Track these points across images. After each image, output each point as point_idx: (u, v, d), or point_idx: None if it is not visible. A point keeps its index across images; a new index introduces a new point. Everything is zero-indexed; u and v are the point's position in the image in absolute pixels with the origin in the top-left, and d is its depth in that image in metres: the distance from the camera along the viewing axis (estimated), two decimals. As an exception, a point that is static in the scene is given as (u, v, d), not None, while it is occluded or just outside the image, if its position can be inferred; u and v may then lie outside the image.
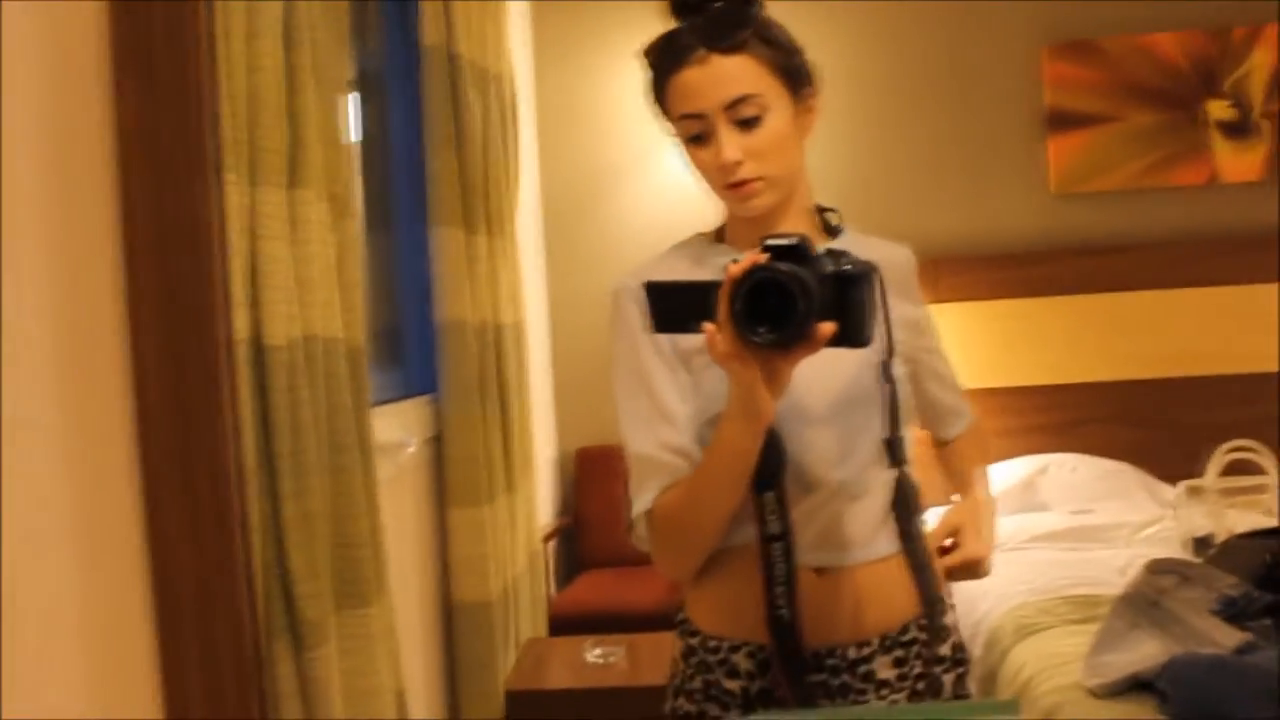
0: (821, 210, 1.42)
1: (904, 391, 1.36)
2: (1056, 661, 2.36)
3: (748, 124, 1.30)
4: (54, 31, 1.30)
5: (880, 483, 1.34)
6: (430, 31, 2.72)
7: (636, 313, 1.35)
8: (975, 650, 2.79)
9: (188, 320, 1.34)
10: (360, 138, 2.66)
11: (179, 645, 1.38)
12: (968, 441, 1.60)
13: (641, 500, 1.33)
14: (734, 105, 1.30)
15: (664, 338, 1.34)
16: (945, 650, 1.39)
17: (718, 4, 1.32)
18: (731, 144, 1.30)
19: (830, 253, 1.18)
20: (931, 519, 1.44)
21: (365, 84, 2.77)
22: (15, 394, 1.20)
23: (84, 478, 1.31)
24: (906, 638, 1.36)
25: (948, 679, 1.40)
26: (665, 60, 1.33)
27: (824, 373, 1.26)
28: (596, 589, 3.68)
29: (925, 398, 1.52)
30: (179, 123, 1.35)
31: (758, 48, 1.31)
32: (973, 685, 2.85)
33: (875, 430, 1.34)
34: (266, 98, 1.63)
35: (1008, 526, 3.42)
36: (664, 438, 1.32)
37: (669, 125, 1.38)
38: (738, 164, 1.30)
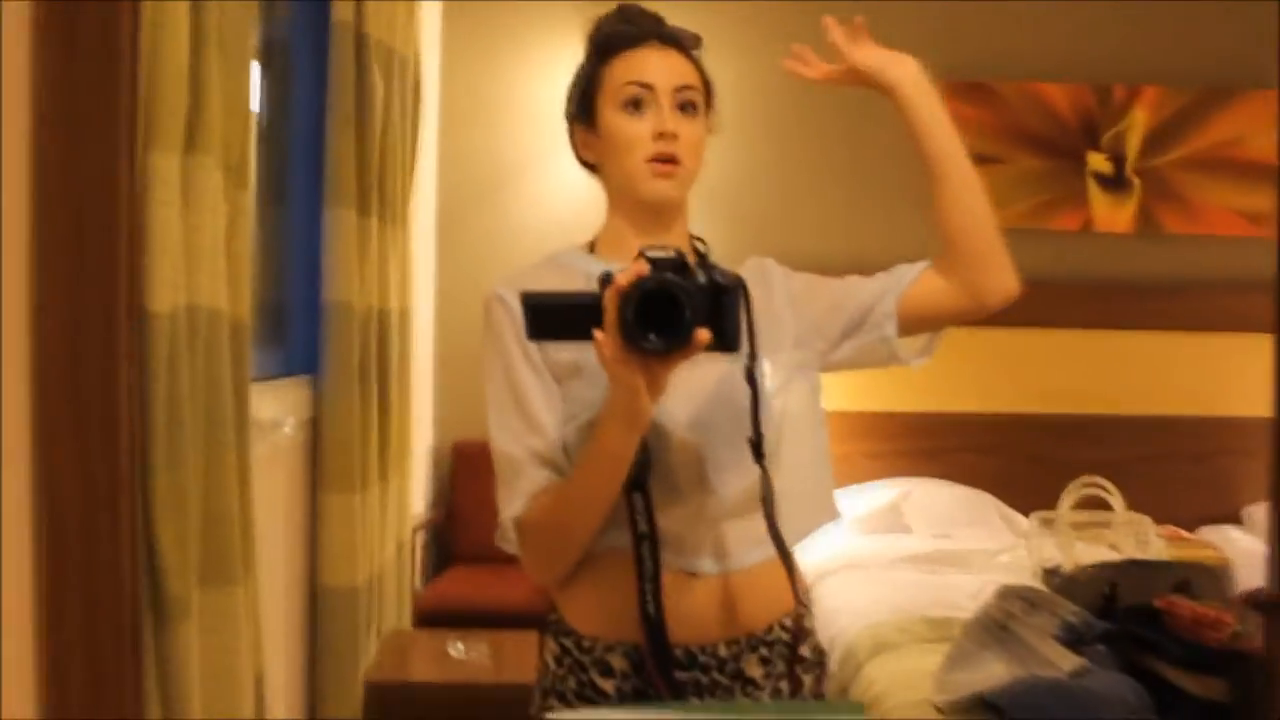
0: (693, 238, 1.47)
1: (776, 394, 1.40)
2: (908, 678, 2.44)
3: (685, 109, 1.39)
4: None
5: (751, 485, 1.38)
6: (340, 7, 2.68)
7: (508, 321, 1.38)
8: (830, 665, 2.87)
9: (93, 285, 1.31)
10: (260, 109, 2.61)
11: (62, 615, 1.35)
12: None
13: (511, 506, 1.36)
14: (681, 89, 1.39)
15: (533, 347, 1.37)
16: (806, 651, 1.43)
17: (665, 22, 1.45)
18: (674, 118, 1.38)
19: (701, 265, 1.27)
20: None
21: (269, 55, 2.72)
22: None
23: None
24: (771, 637, 1.40)
25: (808, 679, 1.44)
26: (620, 38, 1.40)
27: (686, 381, 1.30)
28: (464, 584, 3.67)
29: (872, 292, 1.53)
30: (99, 84, 1.32)
31: (698, 64, 1.45)
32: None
33: (744, 435, 1.37)
34: (168, 59, 1.59)
35: (871, 547, 3.53)
36: (532, 445, 1.35)
37: (576, 126, 1.44)
38: (675, 136, 1.36)
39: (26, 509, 1.35)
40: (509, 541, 1.38)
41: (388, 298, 2.95)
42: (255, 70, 2.10)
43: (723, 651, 1.37)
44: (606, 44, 1.42)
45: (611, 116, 1.40)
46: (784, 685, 1.41)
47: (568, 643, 1.42)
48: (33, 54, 1.34)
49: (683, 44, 1.44)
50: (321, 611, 2.72)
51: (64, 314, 1.34)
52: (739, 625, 1.38)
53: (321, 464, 2.69)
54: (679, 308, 1.18)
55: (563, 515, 1.33)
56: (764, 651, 1.40)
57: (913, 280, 1.50)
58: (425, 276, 3.92)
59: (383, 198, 2.88)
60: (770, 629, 1.40)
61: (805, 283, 1.56)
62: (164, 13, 1.59)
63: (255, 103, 2.36)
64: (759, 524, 1.37)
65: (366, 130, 2.76)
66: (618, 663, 1.38)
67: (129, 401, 1.39)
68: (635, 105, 1.38)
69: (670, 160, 1.37)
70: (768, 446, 1.35)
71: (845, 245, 4.16)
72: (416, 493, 3.70)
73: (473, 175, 4.13)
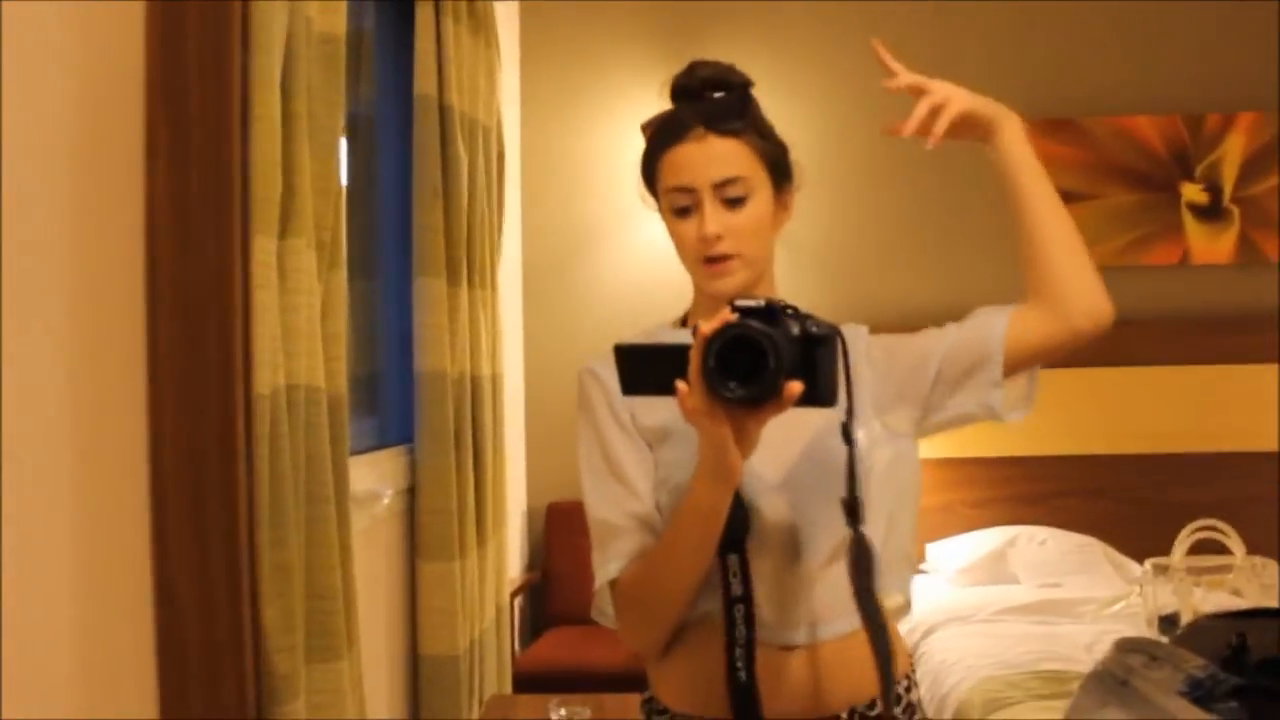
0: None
1: (874, 456, 1.37)
2: (1025, 738, 2.35)
3: (733, 203, 1.36)
4: (90, 78, 1.31)
5: (842, 547, 1.34)
6: (423, 81, 2.74)
7: (599, 393, 1.39)
8: (943, 722, 2.79)
9: (207, 372, 1.34)
10: (347, 183, 2.66)
11: (185, 700, 1.37)
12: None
13: (606, 570, 1.34)
14: (723, 184, 1.36)
15: (626, 415, 1.37)
16: None
17: (719, 93, 1.39)
18: (715, 219, 1.35)
19: (796, 315, 1.22)
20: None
21: (355, 130, 2.78)
22: (33, 444, 1.19)
23: (95, 531, 1.30)
24: (873, 713, 1.35)
25: None
26: (664, 135, 1.38)
27: (776, 439, 1.27)
28: (563, 646, 3.65)
29: (958, 343, 1.48)
30: (211, 176, 1.36)
31: (751, 136, 1.39)
32: (941, 758, 2.83)
33: (836, 495, 1.34)
34: (261, 144, 1.63)
35: (976, 598, 3.43)
36: (628, 508, 1.34)
37: (652, 199, 1.44)
38: (718, 238, 1.35)
39: (148, 598, 1.37)
40: (604, 614, 1.37)
41: (479, 364, 2.97)
42: (342, 146, 2.15)
43: None
44: (652, 145, 1.42)
45: (665, 217, 1.40)
46: None
47: None
48: (147, 143, 1.38)
49: (731, 124, 1.37)
50: (423, 680, 2.72)
51: (182, 405, 1.37)
52: (833, 701, 1.34)
53: (419, 533, 2.71)
54: (763, 356, 1.15)
55: (658, 577, 1.31)
56: None
57: (1008, 323, 1.43)
58: (513, 340, 3.95)
59: (470, 266, 2.91)
60: (872, 704, 1.35)
61: (884, 348, 1.51)
62: (256, 99, 1.63)
63: (343, 177, 2.42)
64: (848, 591, 1.33)
65: (452, 200, 2.80)
66: None
67: (243, 487, 1.41)
68: (682, 210, 1.37)
69: (720, 259, 1.36)
70: (864, 509, 1.31)
71: (936, 295, 4.11)
72: (513, 556, 3.70)
73: (557, 239, 4.17)
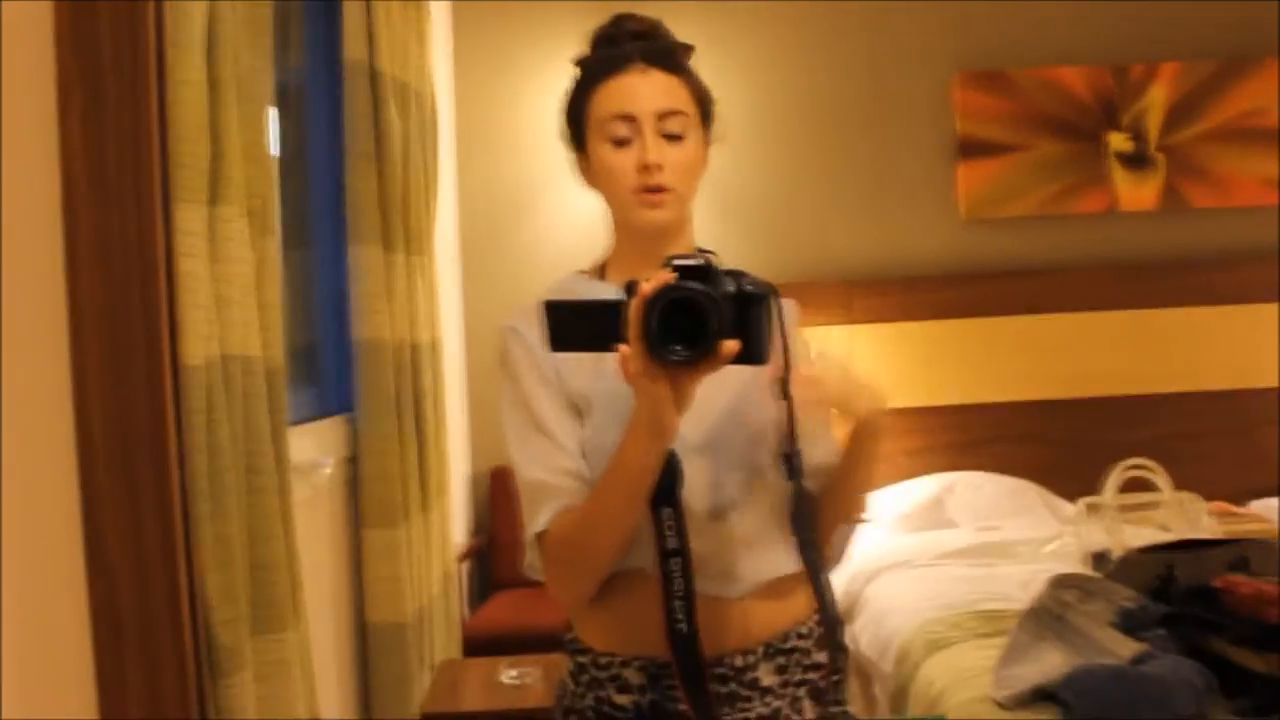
0: (702, 251, 1.45)
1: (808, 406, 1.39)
2: (966, 675, 2.41)
3: (672, 138, 1.37)
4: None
5: (776, 499, 1.36)
6: (352, 46, 2.70)
7: (521, 351, 1.39)
8: (886, 666, 2.84)
9: (132, 343, 1.32)
10: (279, 152, 2.63)
11: (123, 675, 1.36)
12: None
13: (535, 523, 1.35)
14: (665, 116, 1.38)
15: (552, 371, 1.37)
16: (822, 657, 1.41)
17: (658, 38, 1.42)
18: (657, 148, 1.36)
19: (729, 273, 1.22)
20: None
21: (284, 98, 2.74)
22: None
23: (24, 506, 1.28)
24: (788, 645, 1.38)
25: (826, 684, 1.42)
26: (604, 64, 1.39)
27: (700, 398, 1.27)
28: (510, 609, 3.67)
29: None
30: (128, 142, 1.34)
31: (689, 77, 1.42)
32: (883, 699, 2.91)
33: (765, 450, 1.36)
34: (187, 110, 1.60)
35: (917, 544, 3.50)
36: (556, 462, 1.35)
37: (570, 144, 1.44)
38: (659, 167, 1.35)
39: (81, 573, 1.36)
40: (533, 567, 1.38)
41: (418, 331, 2.96)
42: (272, 114, 2.12)
43: (739, 661, 1.36)
44: (590, 72, 1.41)
45: (598, 148, 1.39)
46: (802, 692, 1.39)
47: (584, 660, 1.41)
48: (60, 112, 1.35)
49: (670, 63, 1.40)
50: (372, 649, 2.72)
51: (107, 376, 1.35)
52: (755, 635, 1.37)
53: (363, 501, 2.70)
54: (705, 317, 1.16)
55: (587, 531, 1.32)
56: (781, 660, 1.38)
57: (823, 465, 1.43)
58: (452, 305, 3.94)
59: (406, 232, 2.89)
60: (786, 636, 1.39)
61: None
62: (181, 64, 1.60)
63: (274, 146, 2.39)
64: (780, 544, 1.36)
65: (386, 166, 2.77)
66: (634, 678, 1.37)
67: (174, 458, 1.40)
68: (620, 140, 1.37)
69: (657, 190, 1.36)
70: (803, 464, 1.34)
71: (865, 250, 4.15)
72: (457, 522, 3.71)
73: (493, 203, 4.15)
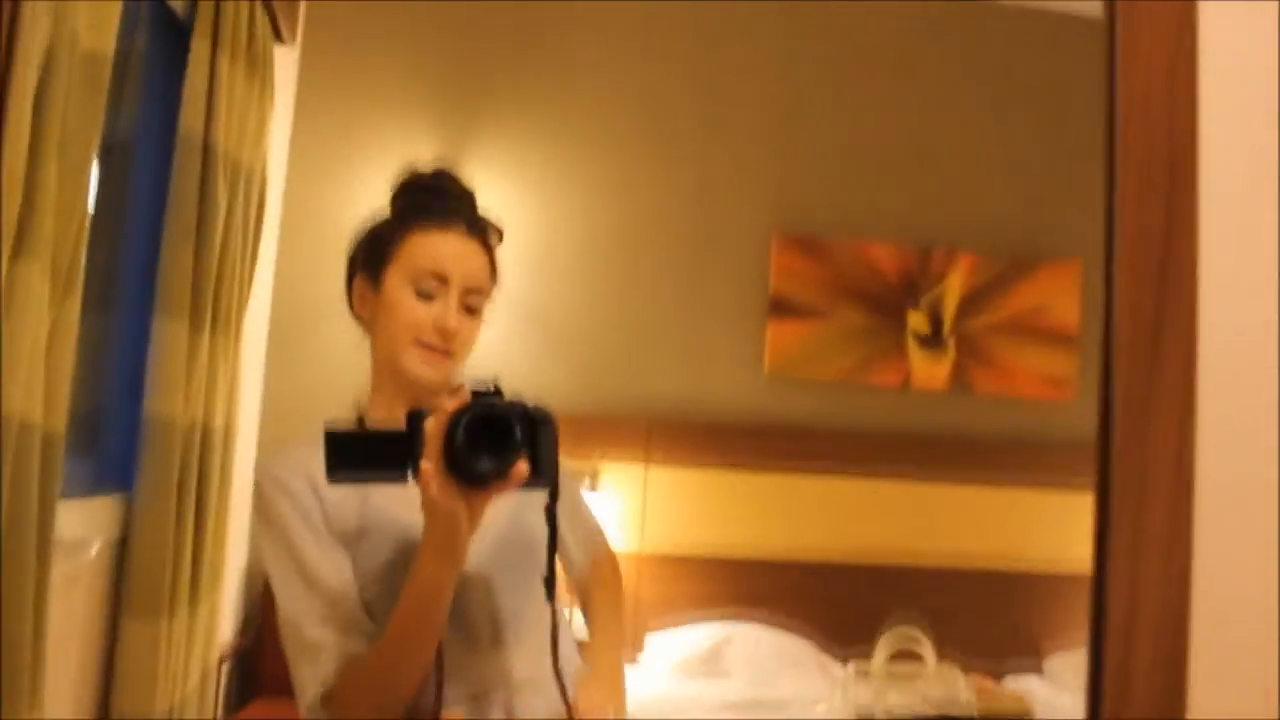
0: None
1: (563, 529, 1.41)
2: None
3: (470, 311, 1.39)
4: None
5: (542, 623, 1.37)
6: (190, 116, 2.63)
7: (283, 498, 1.36)
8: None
9: None
10: (94, 209, 2.51)
11: None
12: (598, 591, 1.59)
13: (316, 685, 1.30)
14: (471, 291, 1.41)
15: (318, 519, 1.35)
16: None
17: (475, 207, 1.46)
18: (458, 316, 1.39)
19: (515, 402, 1.25)
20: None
21: (107, 154, 2.64)
22: None
23: None
24: None
25: None
26: (428, 212, 1.40)
27: (485, 528, 1.28)
28: (272, 716, 3.47)
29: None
30: None
31: (490, 241, 1.47)
32: None
33: (537, 573, 1.37)
34: (8, 162, 1.53)
35: (691, 691, 3.51)
36: (329, 615, 1.31)
37: (374, 263, 1.44)
38: (454, 334, 1.37)
39: None
40: None
41: (212, 414, 2.83)
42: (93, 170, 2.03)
43: None
44: (412, 211, 1.44)
45: (398, 291, 1.40)
46: None
47: None
48: None
49: (485, 237, 1.45)
50: (111, 746, 2.52)
51: None
52: None
53: (128, 587, 2.53)
54: (509, 432, 1.18)
55: (382, 673, 1.27)
56: None
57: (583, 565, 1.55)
58: (252, 390, 3.80)
59: (215, 311, 2.79)
60: None
61: None
62: (10, 109, 1.53)
63: (90, 203, 2.29)
64: (546, 670, 1.35)
65: (205, 242, 2.68)
66: None
67: None
68: (425, 292, 1.39)
69: (442, 352, 1.39)
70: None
71: (676, 387, 4.25)
72: (226, 618, 3.51)
73: (309, 292, 4.06)
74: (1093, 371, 4.46)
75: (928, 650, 3.50)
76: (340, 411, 1.37)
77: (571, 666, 1.41)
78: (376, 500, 1.24)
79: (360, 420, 1.43)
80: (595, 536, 1.62)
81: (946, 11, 4.54)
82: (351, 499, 1.33)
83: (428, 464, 1.17)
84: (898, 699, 3.30)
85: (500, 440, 1.17)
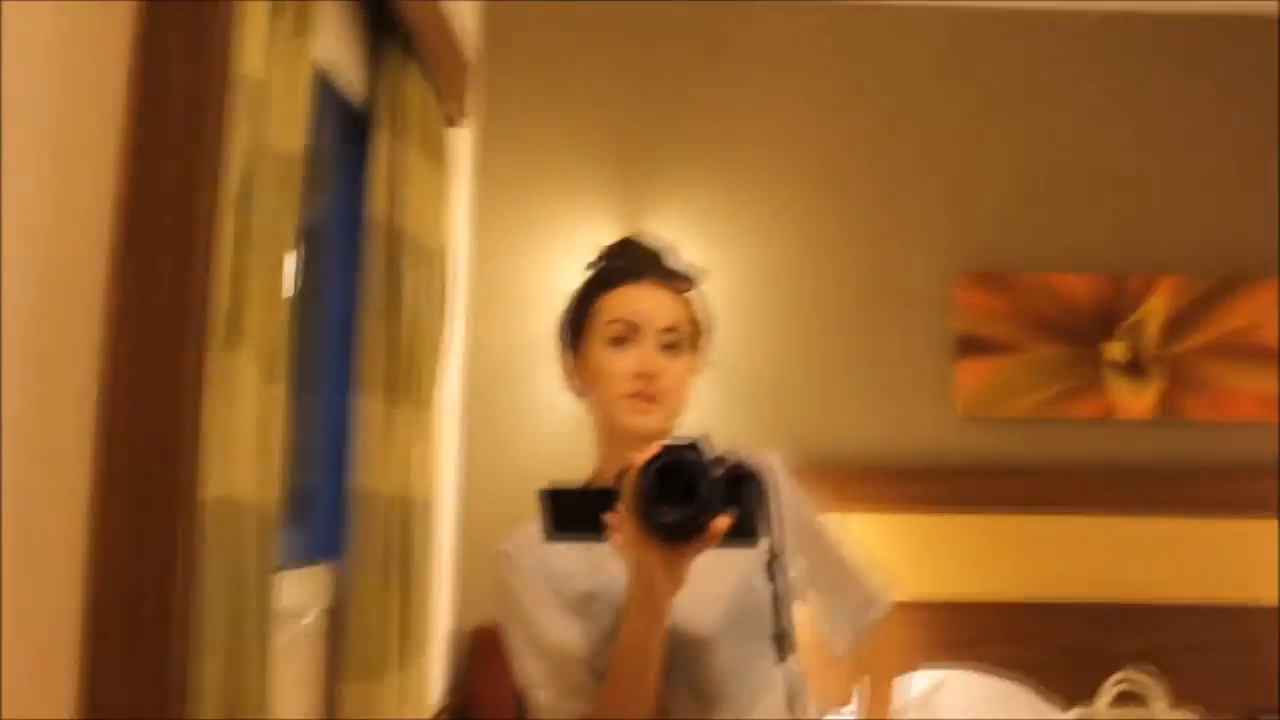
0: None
1: (792, 585, 1.40)
2: None
3: (670, 349, 1.40)
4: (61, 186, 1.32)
5: (774, 683, 1.35)
6: (375, 204, 2.79)
7: (515, 574, 1.42)
8: None
9: (156, 483, 1.33)
10: (292, 295, 2.67)
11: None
12: (872, 654, 1.61)
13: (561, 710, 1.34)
14: (667, 330, 1.41)
15: (547, 591, 1.39)
16: None
17: (668, 261, 1.50)
18: (655, 357, 1.38)
19: (719, 457, 1.25)
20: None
21: (304, 243, 2.81)
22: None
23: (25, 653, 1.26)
24: None
25: None
26: (616, 273, 1.43)
27: (704, 587, 1.28)
28: (480, 778, 3.55)
29: (820, 600, 1.56)
30: (177, 286, 1.38)
31: (692, 300, 1.51)
32: None
33: (763, 637, 1.36)
34: (217, 259, 1.65)
35: (902, 741, 3.42)
36: (562, 680, 1.35)
37: (576, 336, 1.47)
38: (655, 376, 1.38)
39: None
40: None
41: (413, 485, 2.95)
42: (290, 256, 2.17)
43: None
44: (601, 276, 1.47)
45: (596, 349, 1.43)
46: None
47: None
48: (112, 251, 1.40)
49: (678, 284, 1.48)
50: (336, 808, 2.63)
51: (126, 510, 1.36)
52: None
53: (342, 652, 2.65)
54: (695, 483, 1.18)
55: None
56: None
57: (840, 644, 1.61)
58: (450, 460, 3.94)
59: (410, 386, 2.92)
60: None
61: (792, 488, 1.57)
62: (218, 212, 1.65)
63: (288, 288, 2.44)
64: None
65: (396, 321, 2.82)
66: None
67: (182, 600, 1.39)
68: (620, 341, 1.41)
69: (649, 398, 1.40)
70: (790, 643, 1.33)
71: (867, 439, 4.18)
72: (434, 680, 3.62)
73: (500, 363, 4.19)
74: (1316, 390, 4.20)
75: (1155, 692, 3.30)
76: (538, 477, 1.40)
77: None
78: (608, 566, 1.27)
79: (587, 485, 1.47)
80: (865, 607, 1.60)
81: (1111, 23, 4.37)
82: (582, 565, 1.37)
83: (613, 516, 1.19)
84: (1125, 747, 3.12)
85: (687, 491, 1.18)
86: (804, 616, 1.52)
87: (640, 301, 1.42)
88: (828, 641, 1.62)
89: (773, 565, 1.33)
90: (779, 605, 1.33)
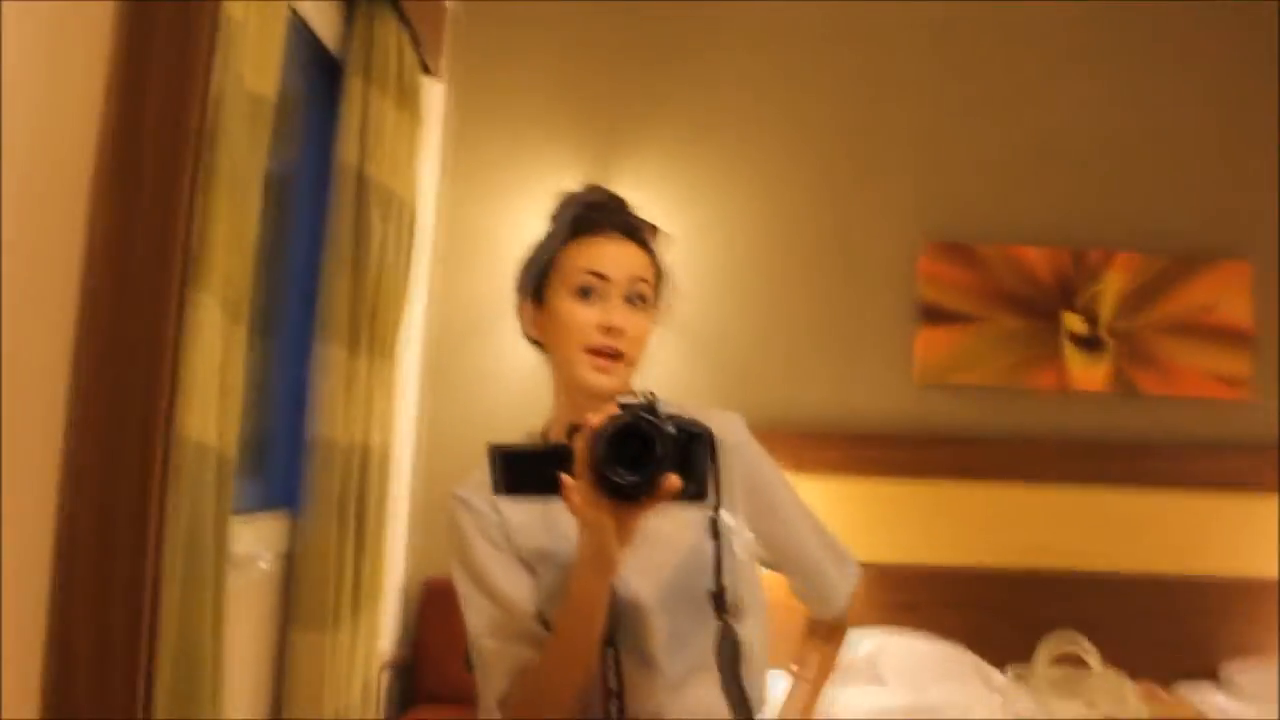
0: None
1: (740, 546, 1.41)
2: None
3: (635, 301, 1.40)
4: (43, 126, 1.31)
5: (713, 644, 1.37)
6: (345, 150, 2.76)
7: (470, 519, 1.41)
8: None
9: (129, 422, 1.33)
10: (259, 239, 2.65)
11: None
12: (818, 642, 1.64)
13: (491, 690, 1.36)
14: (634, 281, 1.40)
15: (501, 540, 1.40)
16: None
17: (629, 212, 1.48)
18: (622, 311, 1.38)
19: (669, 415, 1.26)
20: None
21: (271, 187, 2.78)
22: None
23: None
24: None
25: None
26: (582, 223, 1.42)
27: (652, 548, 1.30)
28: (430, 725, 3.58)
29: (789, 566, 1.57)
30: (157, 230, 1.36)
31: (654, 254, 1.48)
32: None
33: (706, 592, 1.37)
34: (187, 199, 1.63)
35: (846, 699, 3.47)
36: (509, 628, 1.36)
37: (537, 284, 1.47)
38: (621, 331, 1.37)
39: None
40: None
41: (371, 434, 2.95)
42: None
43: None
44: (569, 227, 1.45)
45: (561, 300, 1.41)
46: None
47: None
48: (93, 194, 1.38)
49: (643, 236, 1.47)
50: (284, 752, 2.65)
51: (99, 447, 1.35)
52: None
53: (295, 600, 2.66)
54: (650, 445, 1.19)
55: (545, 680, 1.31)
56: None
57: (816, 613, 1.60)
58: (408, 412, 3.93)
59: (373, 336, 2.91)
60: None
61: (755, 452, 1.55)
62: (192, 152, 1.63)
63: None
64: (712, 686, 1.36)
65: (362, 270, 2.80)
66: None
67: (154, 543, 1.40)
68: (586, 293, 1.40)
69: (612, 355, 1.39)
70: (730, 601, 1.35)
71: (826, 401, 4.22)
72: (385, 631, 3.64)
73: (463, 315, 4.18)
74: (1271, 371, 4.27)
75: (1092, 656, 3.38)
76: (499, 431, 1.41)
77: (758, 690, 1.41)
78: (561, 522, 1.27)
79: (543, 439, 1.47)
80: (840, 572, 1.62)
81: (1075, 2, 4.39)
82: (537, 520, 1.37)
83: (569, 478, 1.20)
84: (1061, 706, 3.20)
85: (642, 454, 1.19)
86: (775, 580, 1.53)
87: (608, 253, 1.40)
88: (807, 607, 1.63)
89: (714, 522, 1.34)
90: (719, 562, 1.34)
